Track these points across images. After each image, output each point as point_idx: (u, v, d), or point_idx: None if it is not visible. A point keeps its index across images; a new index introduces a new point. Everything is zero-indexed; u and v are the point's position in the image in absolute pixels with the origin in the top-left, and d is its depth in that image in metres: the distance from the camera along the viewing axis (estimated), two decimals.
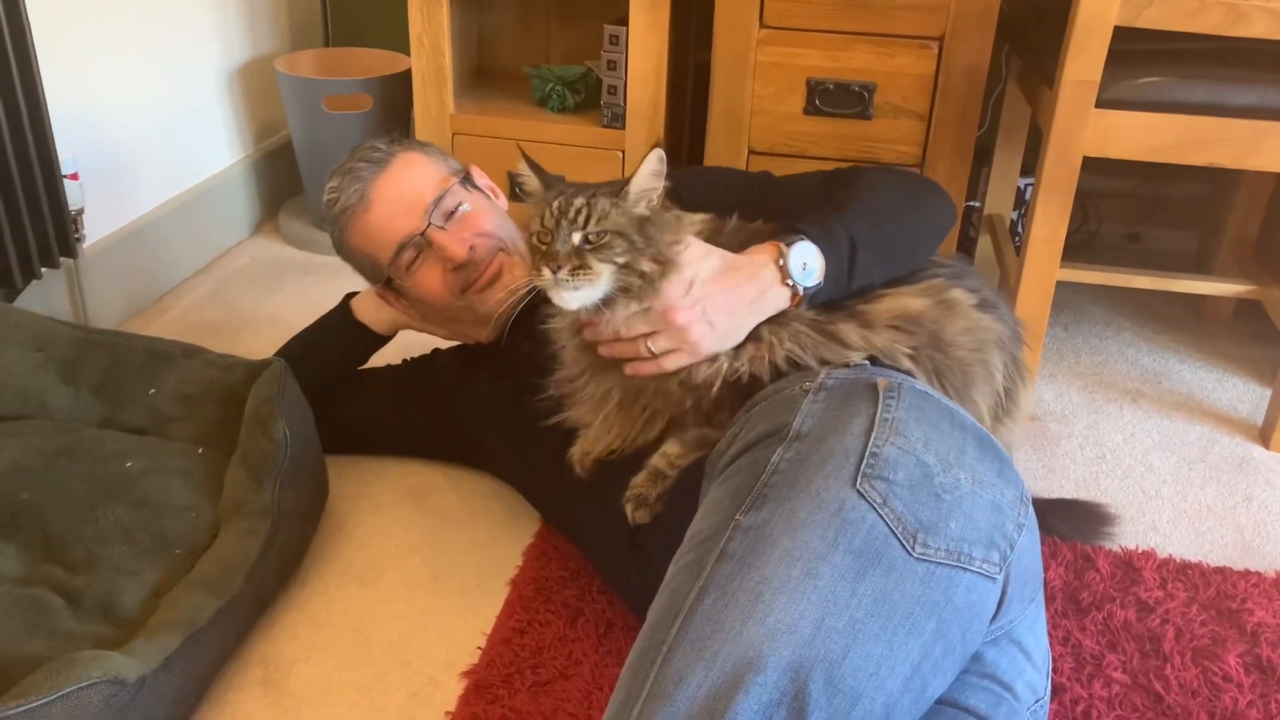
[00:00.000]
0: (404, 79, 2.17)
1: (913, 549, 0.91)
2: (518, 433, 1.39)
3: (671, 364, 1.14)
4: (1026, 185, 2.27)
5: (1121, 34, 1.51)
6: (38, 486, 1.32)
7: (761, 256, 1.14)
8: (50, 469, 1.34)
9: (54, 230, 1.69)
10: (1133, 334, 2.07)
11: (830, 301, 1.16)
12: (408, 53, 2.03)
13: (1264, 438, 1.74)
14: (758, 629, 0.87)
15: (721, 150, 1.89)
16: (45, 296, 1.78)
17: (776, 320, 1.14)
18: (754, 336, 1.14)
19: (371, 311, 1.51)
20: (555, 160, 2.01)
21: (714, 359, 1.13)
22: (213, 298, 2.07)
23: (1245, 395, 1.87)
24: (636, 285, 1.10)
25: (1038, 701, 1.05)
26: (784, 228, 1.17)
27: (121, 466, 1.35)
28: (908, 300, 1.16)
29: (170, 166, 2.10)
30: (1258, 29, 1.48)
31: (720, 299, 1.12)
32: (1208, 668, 1.24)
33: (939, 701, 0.96)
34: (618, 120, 1.96)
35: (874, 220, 1.19)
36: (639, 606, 1.25)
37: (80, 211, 1.78)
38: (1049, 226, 1.65)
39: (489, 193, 1.44)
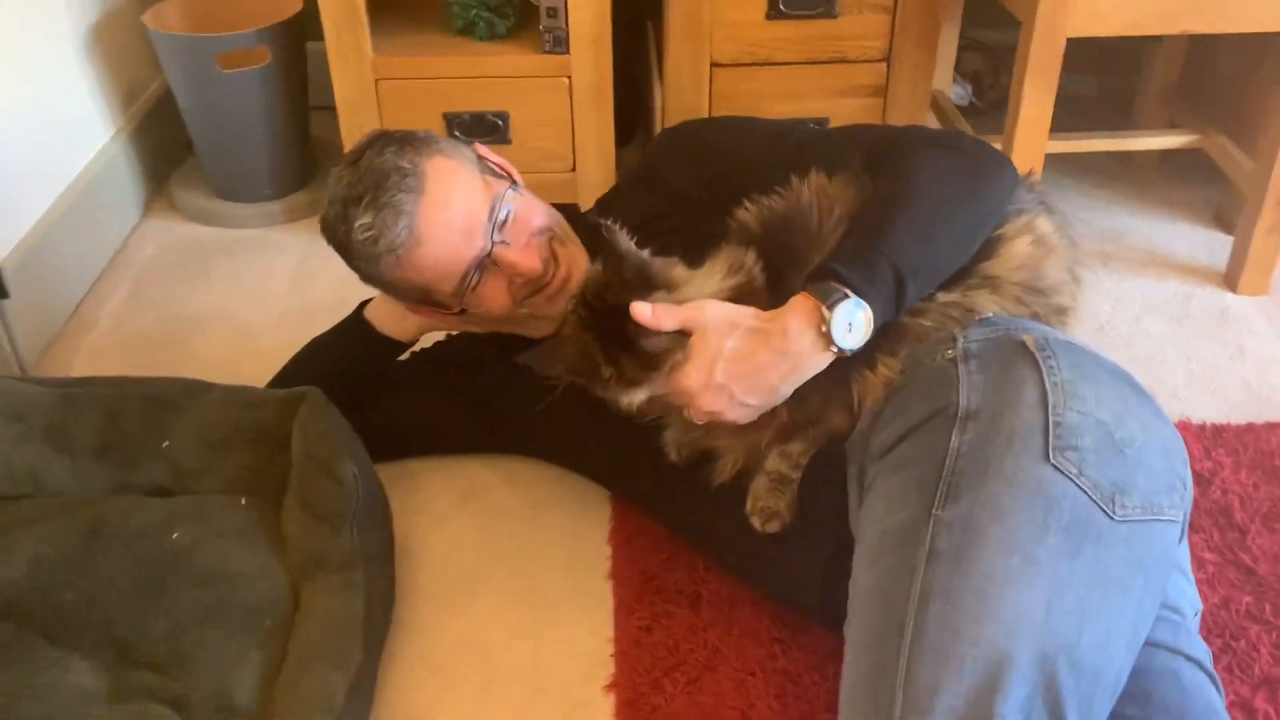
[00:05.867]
0: (295, 24, 1.95)
1: (1113, 512, 0.92)
2: (599, 426, 1.31)
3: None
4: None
5: None
6: (79, 583, 1.16)
7: (797, 322, 1.01)
8: (85, 558, 1.19)
9: None
10: (1075, 191, 2.12)
11: None
12: None
13: (1230, 283, 1.84)
14: (995, 627, 0.87)
15: (684, 66, 1.79)
16: None
17: (917, 310, 1.07)
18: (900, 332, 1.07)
19: (393, 321, 1.38)
20: (496, 95, 1.87)
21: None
22: (136, 300, 1.85)
23: (1197, 240, 1.96)
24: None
25: (1196, 614, 1.10)
26: (820, 271, 1.02)
27: (167, 539, 1.21)
28: (1018, 247, 1.10)
29: (44, 160, 1.83)
30: None
31: (748, 381, 1.02)
32: None
33: None
34: (560, 45, 1.82)
35: (924, 238, 1.04)
36: (776, 588, 1.23)
37: None
38: (1036, 107, 1.66)
39: (512, 176, 1.31)
